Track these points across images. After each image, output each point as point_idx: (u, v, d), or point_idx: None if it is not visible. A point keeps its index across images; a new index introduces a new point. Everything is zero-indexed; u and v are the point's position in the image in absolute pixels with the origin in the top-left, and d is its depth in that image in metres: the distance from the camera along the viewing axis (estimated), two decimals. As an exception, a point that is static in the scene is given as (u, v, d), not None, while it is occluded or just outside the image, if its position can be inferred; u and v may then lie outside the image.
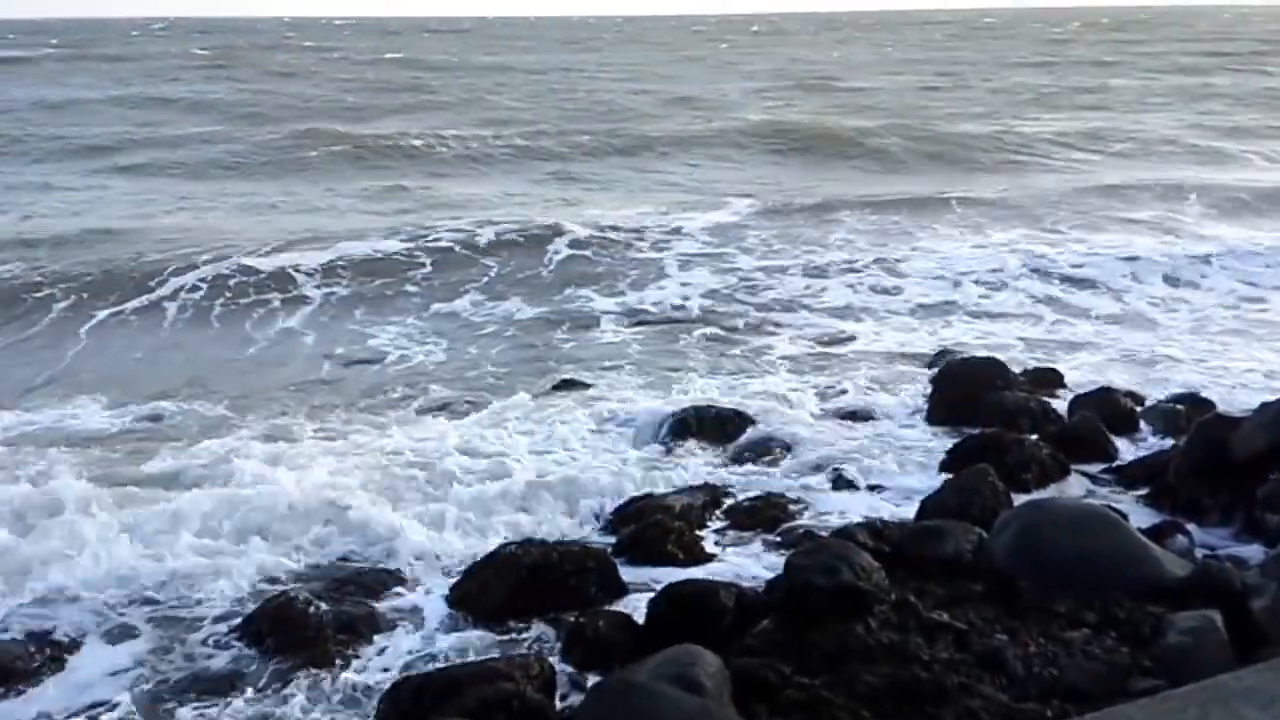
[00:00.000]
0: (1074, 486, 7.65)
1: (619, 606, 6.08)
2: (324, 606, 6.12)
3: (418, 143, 27.02)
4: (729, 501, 7.60)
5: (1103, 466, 8.01)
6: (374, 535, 7.12)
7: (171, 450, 8.69)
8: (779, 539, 6.98)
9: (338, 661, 5.78)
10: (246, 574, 6.64)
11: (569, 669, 5.50)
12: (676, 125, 30.68)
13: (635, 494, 7.68)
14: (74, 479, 7.78)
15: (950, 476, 7.49)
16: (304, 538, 7.07)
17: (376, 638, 6.01)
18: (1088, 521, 6.05)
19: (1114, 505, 6.81)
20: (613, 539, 7.07)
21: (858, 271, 14.90)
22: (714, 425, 8.79)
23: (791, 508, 7.44)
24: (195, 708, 5.44)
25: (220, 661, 5.81)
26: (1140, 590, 5.53)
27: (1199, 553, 6.29)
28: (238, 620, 6.12)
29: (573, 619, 5.87)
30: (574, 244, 16.13)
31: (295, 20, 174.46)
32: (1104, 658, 5.07)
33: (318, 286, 14.29)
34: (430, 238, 16.25)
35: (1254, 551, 6.32)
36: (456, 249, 15.79)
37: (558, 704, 5.17)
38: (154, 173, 24.03)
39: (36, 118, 32.80)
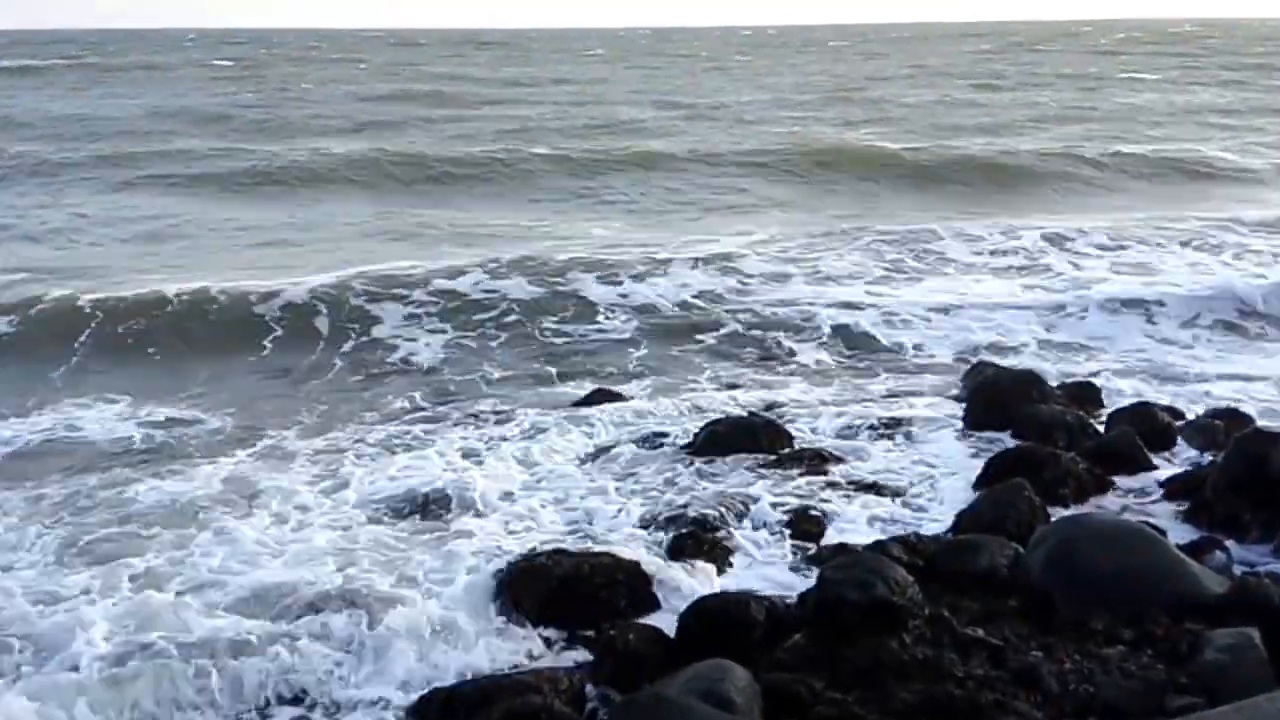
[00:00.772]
0: (1111, 502, 7.56)
1: (651, 619, 6.04)
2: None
3: (439, 158, 26.42)
4: (762, 513, 7.53)
5: (1140, 482, 7.89)
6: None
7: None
8: (811, 551, 6.92)
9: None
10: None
11: (598, 683, 5.46)
12: (699, 141, 30.17)
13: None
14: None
15: (985, 490, 7.43)
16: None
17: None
18: (1125, 537, 5.98)
19: (1151, 521, 6.73)
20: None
21: (895, 283, 14.79)
22: (746, 435, 8.73)
23: (824, 520, 7.38)
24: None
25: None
26: (1177, 607, 5.45)
27: (1237, 569, 6.19)
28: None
29: (603, 632, 5.85)
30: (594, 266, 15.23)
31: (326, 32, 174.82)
32: (1140, 675, 5.00)
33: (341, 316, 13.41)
34: (444, 264, 15.33)
35: (1293, 569, 6.20)
36: (475, 272, 14.78)
37: (585, 718, 5.15)
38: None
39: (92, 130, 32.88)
